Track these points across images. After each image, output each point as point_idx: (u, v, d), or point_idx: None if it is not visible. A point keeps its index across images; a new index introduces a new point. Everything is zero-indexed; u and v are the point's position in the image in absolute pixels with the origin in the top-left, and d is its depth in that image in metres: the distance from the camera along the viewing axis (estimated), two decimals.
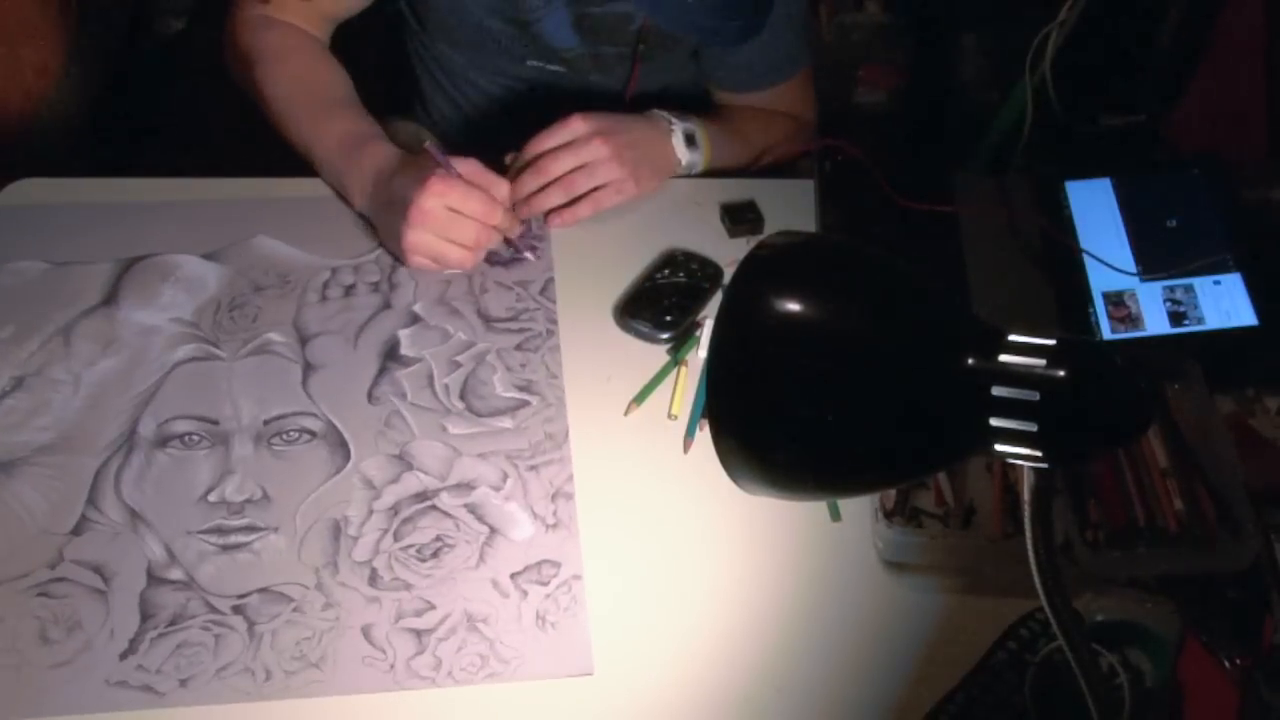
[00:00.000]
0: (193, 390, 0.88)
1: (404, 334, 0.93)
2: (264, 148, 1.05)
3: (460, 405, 0.88)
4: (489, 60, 1.16)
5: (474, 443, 0.86)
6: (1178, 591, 0.74)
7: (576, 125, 0.98)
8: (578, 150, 0.98)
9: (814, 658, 0.75)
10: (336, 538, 0.80)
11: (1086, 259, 0.94)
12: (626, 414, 0.88)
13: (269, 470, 0.83)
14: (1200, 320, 0.90)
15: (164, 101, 1.55)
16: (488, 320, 0.94)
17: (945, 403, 0.49)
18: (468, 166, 0.93)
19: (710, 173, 1.09)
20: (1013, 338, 0.47)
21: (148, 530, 0.80)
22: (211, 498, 0.82)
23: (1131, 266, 0.94)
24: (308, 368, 0.90)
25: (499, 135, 1.05)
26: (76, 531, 0.79)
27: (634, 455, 0.86)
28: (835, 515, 0.82)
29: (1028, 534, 0.51)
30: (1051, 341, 0.47)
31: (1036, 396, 0.46)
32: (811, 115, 1.23)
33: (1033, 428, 0.46)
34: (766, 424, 0.52)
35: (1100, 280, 0.93)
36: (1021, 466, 0.49)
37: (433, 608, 0.77)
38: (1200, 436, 0.81)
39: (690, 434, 0.86)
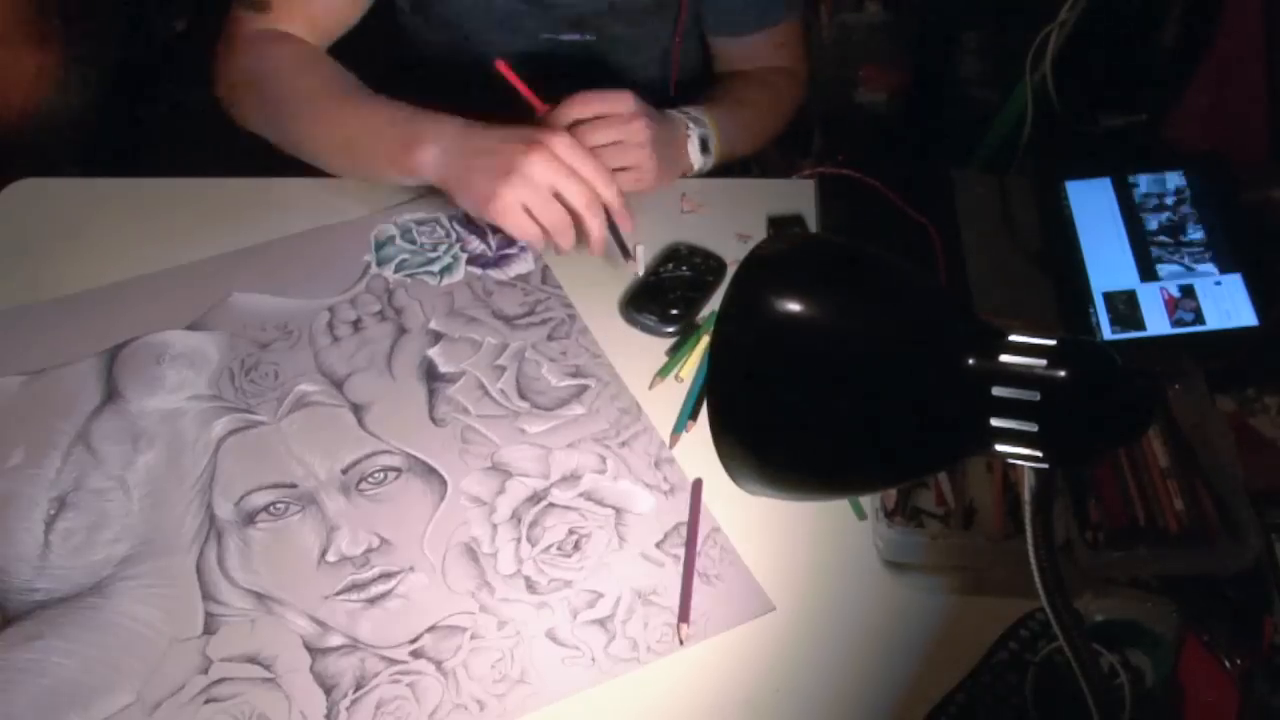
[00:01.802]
0: (251, 461, 0.84)
1: (433, 353, 0.91)
2: (264, 148, 1.04)
3: (525, 405, 0.87)
4: (499, 38, 1.13)
5: (557, 435, 0.86)
6: (1178, 591, 0.74)
7: (626, 100, 0.97)
8: (621, 126, 0.97)
9: (814, 658, 0.75)
10: (475, 560, 0.78)
11: (1087, 258, 0.94)
12: (651, 387, 0.89)
13: (373, 516, 0.81)
14: (1200, 320, 0.90)
15: (164, 101, 1.55)
16: (508, 320, 0.94)
17: (946, 403, 0.49)
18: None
19: (714, 170, 1.09)
20: (1013, 338, 0.47)
21: (282, 608, 0.76)
22: (330, 558, 0.78)
23: (1132, 266, 0.94)
24: (356, 409, 0.87)
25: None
26: (210, 630, 0.75)
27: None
28: (860, 514, 0.82)
29: (1028, 534, 0.51)
30: (1052, 341, 0.47)
31: (1037, 397, 0.46)
32: (803, 69, 1.25)
33: (1033, 428, 0.46)
34: (766, 424, 0.52)
35: (1100, 280, 0.93)
36: (1022, 467, 0.49)
37: (601, 595, 0.76)
38: (1200, 436, 0.81)
39: (677, 430, 0.86)
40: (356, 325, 0.94)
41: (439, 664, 0.73)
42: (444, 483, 0.83)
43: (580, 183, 0.90)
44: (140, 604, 0.76)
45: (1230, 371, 0.88)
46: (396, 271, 0.98)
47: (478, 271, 0.98)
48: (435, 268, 0.99)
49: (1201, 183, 0.97)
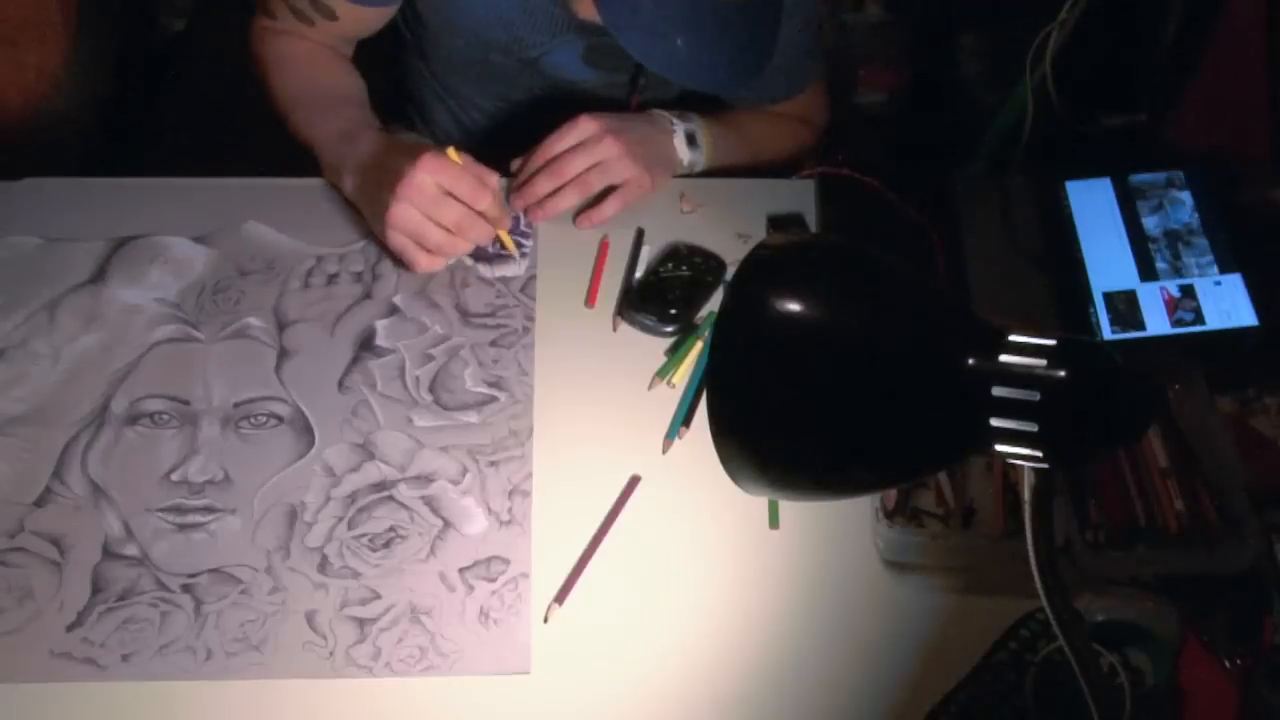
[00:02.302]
0: (168, 370, 0.89)
1: (381, 324, 0.93)
2: (264, 148, 1.05)
3: (428, 398, 0.89)
4: (493, 88, 1.16)
5: (438, 436, 0.87)
6: (1178, 591, 0.74)
7: (587, 125, 0.98)
8: (590, 150, 0.98)
9: (814, 657, 0.75)
10: (292, 523, 0.81)
11: (1087, 258, 0.94)
12: (650, 388, 0.89)
13: (233, 452, 0.85)
14: (1200, 320, 0.90)
15: (164, 101, 1.55)
16: (465, 315, 0.95)
17: (946, 403, 0.49)
18: (461, 156, 0.93)
19: (713, 172, 1.09)
20: (1013, 338, 0.47)
21: (109, 506, 0.82)
22: (174, 477, 0.83)
23: (1132, 266, 0.94)
24: (283, 353, 0.91)
25: (501, 149, 1.05)
26: (39, 503, 0.81)
27: (604, 453, 0.86)
28: (774, 523, 0.81)
29: (1028, 534, 0.51)
30: (1052, 341, 0.47)
31: (1037, 396, 0.46)
32: (821, 119, 1.22)
33: (1033, 428, 0.46)
34: (767, 424, 0.52)
35: (1100, 280, 0.93)
36: (1022, 466, 0.49)
37: (378, 597, 0.78)
38: (1200, 436, 0.81)
39: (671, 435, 0.86)
40: (332, 279, 0.96)
41: (199, 604, 0.77)
42: (312, 444, 0.86)
43: (452, 204, 0.91)
44: (1, 460, 0.84)
45: (1230, 371, 0.88)
46: None
47: (469, 262, 0.98)
48: None
49: (1202, 182, 0.97)
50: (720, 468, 0.53)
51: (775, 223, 1.04)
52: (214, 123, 1.05)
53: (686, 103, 1.10)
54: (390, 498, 0.83)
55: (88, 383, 0.88)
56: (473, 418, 0.88)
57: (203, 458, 0.84)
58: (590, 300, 0.96)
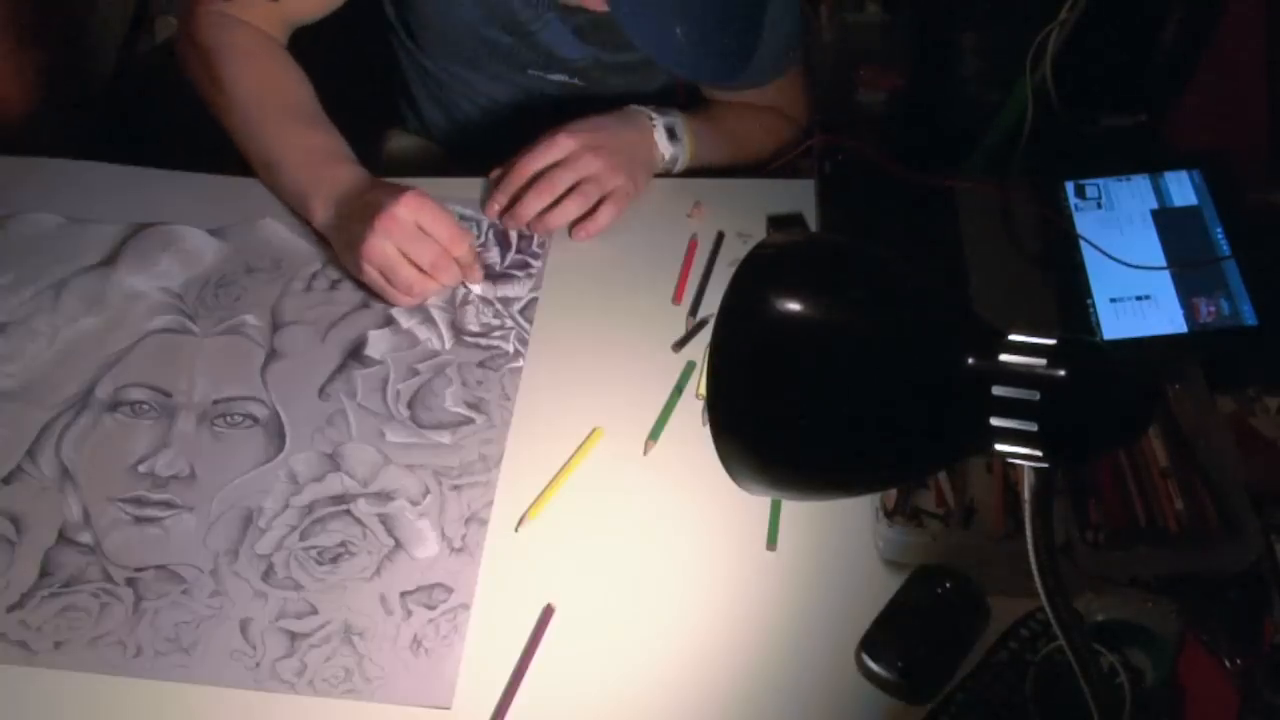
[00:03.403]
0: (157, 360, 0.90)
1: (373, 334, 0.93)
2: None
3: (405, 413, 0.88)
4: (487, 69, 1.15)
5: (407, 453, 0.86)
6: (1178, 591, 0.74)
7: (565, 142, 0.98)
8: (574, 166, 0.98)
9: (815, 657, 0.75)
10: (246, 527, 0.81)
11: (1087, 258, 0.94)
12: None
13: (203, 449, 0.85)
14: (1201, 320, 0.90)
15: (164, 101, 1.55)
16: (459, 333, 0.94)
17: (946, 402, 0.49)
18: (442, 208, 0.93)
19: (707, 172, 1.09)
20: (1013, 337, 0.47)
21: (73, 490, 0.83)
22: (141, 468, 0.84)
23: (1132, 266, 0.93)
24: (272, 354, 0.91)
25: (492, 146, 1.05)
26: (6, 480, 0.83)
27: (592, 477, 0.85)
28: (772, 542, 0.81)
29: (1028, 534, 0.51)
30: (1051, 341, 0.47)
31: (1037, 396, 0.46)
32: (801, 113, 1.22)
33: (1033, 427, 0.46)
34: (767, 424, 0.52)
35: (1100, 280, 0.93)
36: (1022, 466, 0.49)
37: (315, 612, 0.77)
38: (1200, 436, 0.81)
39: (653, 437, 0.86)
40: (334, 284, 0.96)
41: (139, 600, 0.77)
42: (281, 449, 0.86)
43: (429, 243, 0.91)
44: None
45: (1230, 371, 0.87)
46: None
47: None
48: None
49: (1202, 182, 0.97)
50: (714, 474, 0.53)
51: (775, 223, 1.04)
52: (214, 123, 1.05)
53: (666, 98, 1.10)
54: (347, 511, 0.82)
55: (78, 365, 0.89)
56: (445, 438, 0.87)
57: (172, 452, 0.85)
58: (677, 297, 0.96)
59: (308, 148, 0.99)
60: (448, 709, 0.73)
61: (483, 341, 0.93)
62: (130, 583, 0.78)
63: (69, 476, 0.83)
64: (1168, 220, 0.96)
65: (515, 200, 1.00)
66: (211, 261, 0.97)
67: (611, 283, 0.98)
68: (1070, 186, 1.00)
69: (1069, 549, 0.76)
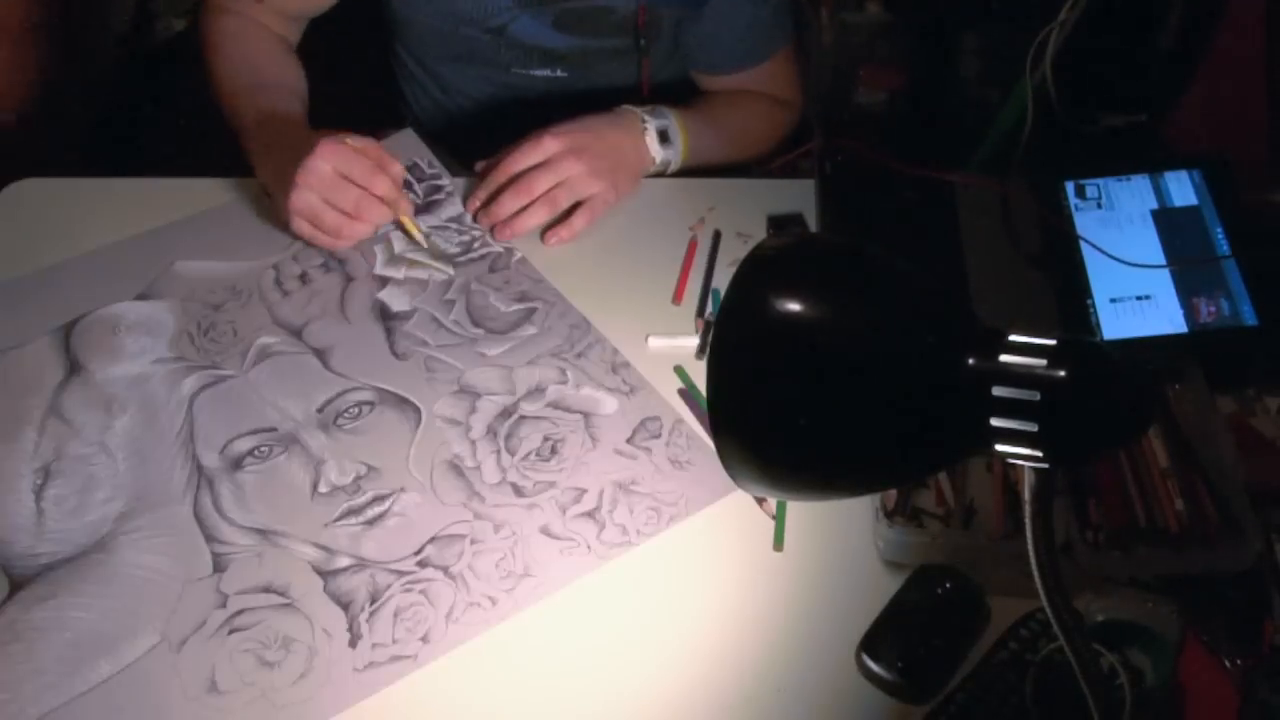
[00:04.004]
0: (227, 412, 0.86)
1: (383, 295, 0.95)
2: None
3: (480, 331, 0.92)
4: (472, 67, 1.16)
5: (515, 355, 0.90)
6: (1178, 591, 0.74)
7: (549, 144, 0.99)
8: (555, 168, 0.98)
9: (815, 657, 0.75)
10: (461, 474, 0.82)
11: (1087, 258, 0.94)
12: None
13: (355, 447, 0.84)
14: (1201, 320, 0.90)
15: (164, 101, 1.55)
16: (450, 261, 0.97)
17: (945, 403, 0.49)
18: (362, 142, 0.95)
19: (707, 170, 1.09)
20: (1013, 338, 0.47)
21: (286, 539, 0.79)
22: (322, 489, 0.82)
23: (1132, 266, 0.93)
24: (319, 353, 0.91)
25: (487, 142, 1.05)
26: (220, 568, 0.77)
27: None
28: (779, 544, 0.81)
29: (1028, 534, 0.51)
30: (1051, 341, 0.47)
31: (1037, 396, 0.46)
32: (794, 96, 1.22)
33: (1033, 428, 0.46)
34: (767, 424, 0.52)
35: (1100, 280, 0.93)
36: (1022, 466, 0.49)
37: (585, 491, 0.81)
38: (1200, 436, 0.81)
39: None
40: (303, 279, 0.97)
41: (445, 569, 0.77)
42: (417, 410, 0.86)
43: (348, 188, 0.93)
44: (145, 554, 0.78)
45: (1230, 371, 0.87)
46: None
47: (416, 218, 1.00)
48: None
49: (1202, 182, 0.97)
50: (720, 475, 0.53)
51: (775, 223, 1.04)
52: (215, 122, 1.05)
53: (656, 96, 1.10)
54: (523, 418, 0.85)
55: (159, 456, 0.84)
56: (531, 329, 0.91)
57: (333, 463, 0.83)
58: (677, 298, 0.97)
59: (260, 111, 1.02)
60: (736, 490, 0.74)
61: (474, 255, 0.98)
62: (423, 564, 0.77)
63: (269, 533, 0.79)
64: (1168, 220, 0.96)
65: (493, 199, 1.00)
66: (172, 320, 0.93)
67: (611, 282, 0.98)
68: (1070, 186, 1.00)
69: (1069, 549, 0.76)
